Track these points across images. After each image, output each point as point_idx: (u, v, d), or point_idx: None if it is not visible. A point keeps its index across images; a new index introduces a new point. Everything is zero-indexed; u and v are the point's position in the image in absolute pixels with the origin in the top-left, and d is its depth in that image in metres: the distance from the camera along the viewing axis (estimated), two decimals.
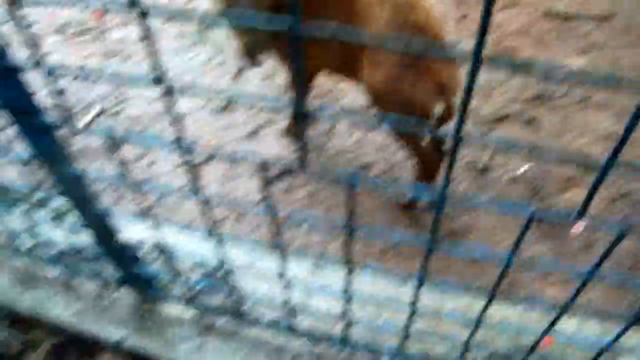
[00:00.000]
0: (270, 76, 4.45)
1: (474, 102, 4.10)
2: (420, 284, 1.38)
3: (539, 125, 3.96)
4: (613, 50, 4.61)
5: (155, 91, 4.36)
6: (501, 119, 4.02)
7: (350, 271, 1.40)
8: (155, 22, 4.98)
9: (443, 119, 2.92)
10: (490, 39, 4.62)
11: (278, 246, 1.46)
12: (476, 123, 3.97)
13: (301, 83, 0.95)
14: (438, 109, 2.76)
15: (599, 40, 4.70)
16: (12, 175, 3.78)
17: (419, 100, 2.75)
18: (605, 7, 5.03)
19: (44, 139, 1.41)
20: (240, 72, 4.48)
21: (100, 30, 4.94)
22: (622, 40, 4.69)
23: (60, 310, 2.19)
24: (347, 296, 1.53)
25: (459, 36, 4.68)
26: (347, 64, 3.07)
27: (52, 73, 1.10)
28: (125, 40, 4.83)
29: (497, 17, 4.88)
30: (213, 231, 1.47)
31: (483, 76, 4.29)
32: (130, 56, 4.67)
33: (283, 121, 4.09)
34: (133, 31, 4.91)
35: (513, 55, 4.48)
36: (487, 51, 4.45)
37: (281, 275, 1.56)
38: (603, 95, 4.15)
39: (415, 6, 2.73)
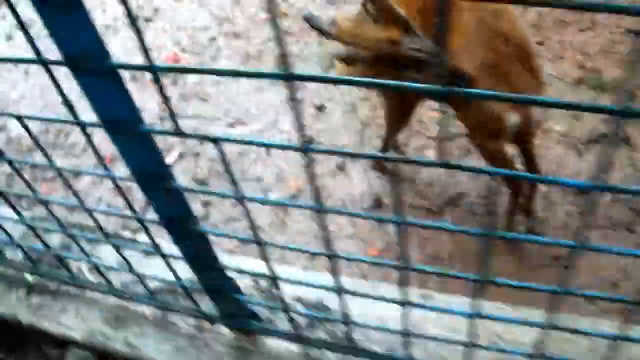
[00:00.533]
0: (353, 108, 4.30)
1: (563, 126, 3.89)
2: (555, 293, 1.19)
3: (635, 144, 3.73)
4: None
5: (236, 131, 4.26)
6: (595, 141, 3.81)
7: (481, 283, 1.22)
8: (230, 64, 4.90)
9: (520, 133, 2.83)
10: (572, 61, 4.41)
11: (398, 267, 1.29)
12: (570, 146, 3.76)
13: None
14: (513, 120, 2.70)
15: None
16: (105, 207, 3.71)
17: (493, 107, 2.68)
18: None
19: (141, 151, 1.28)
20: (322, 107, 4.35)
21: (176, 75, 4.88)
22: None
23: (155, 349, 2.06)
24: (475, 314, 1.35)
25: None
26: None
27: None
28: (202, 82, 4.76)
29: (577, 39, 4.64)
30: (329, 250, 1.30)
31: (570, 99, 4.06)
32: (208, 98, 4.59)
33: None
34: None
35: (598, 77, 4.26)
36: (571, 74, 4.26)
37: (401, 300, 1.39)
38: None
39: (501, 14, 2.65)
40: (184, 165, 4.07)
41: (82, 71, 1.09)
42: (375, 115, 4.14)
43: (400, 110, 3.42)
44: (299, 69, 4.70)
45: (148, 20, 5.67)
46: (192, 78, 4.82)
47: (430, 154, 3.89)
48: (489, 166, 3.04)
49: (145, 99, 4.67)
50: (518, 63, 2.64)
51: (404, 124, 3.55)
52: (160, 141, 3.71)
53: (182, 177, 4.00)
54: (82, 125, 1.20)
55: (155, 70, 0.96)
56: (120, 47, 5.28)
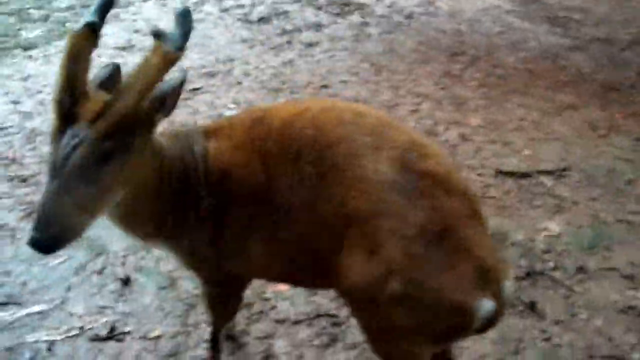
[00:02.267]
0: (171, 282, 3.12)
1: None
2: None
3: (542, 311, 2.98)
4: (585, 204, 3.80)
5: (5, 315, 2.90)
6: None
7: None
8: (10, 218, 3.58)
9: (490, 322, 1.87)
10: None
11: None
12: None
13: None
14: (486, 306, 1.80)
15: (566, 197, 3.86)
16: None
17: (456, 295, 1.79)
18: (556, 161, 4.25)
19: None
20: (128, 279, 3.08)
21: None
22: (590, 193, 3.93)
23: None
24: None
25: None
26: (313, 261, 2.03)
27: None
28: None
29: None
30: None
31: None
32: None
33: (194, 350, 2.75)
34: None
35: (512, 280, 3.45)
36: None
37: None
38: (599, 259, 3.34)
39: (426, 151, 1.96)
40: None
41: None
42: None
43: (222, 287, 2.36)
44: (98, 225, 3.42)
45: None
46: None
47: (280, 345, 2.70)
48: None
49: None
50: (467, 217, 1.87)
51: (233, 308, 2.49)
52: None
53: None
54: None
55: None
56: None
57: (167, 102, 1.82)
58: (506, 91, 5.22)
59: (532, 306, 2.96)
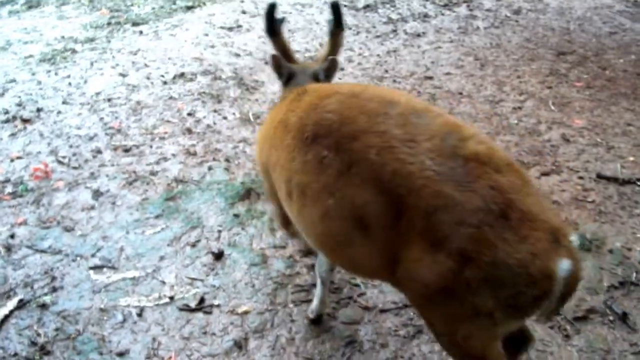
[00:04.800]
0: (263, 260, 3.13)
1: None
2: None
3: (634, 323, 2.80)
4: None
5: (101, 277, 2.97)
6: (583, 317, 2.83)
7: None
8: (112, 185, 3.65)
9: (569, 286, 1.81)
10: None
11: None
12: (553, 326, 2.77)
13: None
14: (565, 265, 1.75)
15: None
16: None
17: (536, 263, 1.73)
18: None
19: None
20: (221, 254, 3.10)
21: (42, 192, 3.61)
22: None
23: None
24: None
25: None
26: (339, 245, 2.07)
27: None
28: (72, 205, 3.52)
29: (542, 183, 3.73)
30: None
31: None
32: (74, 226, 3.32)
33: (281, 329, 2.74)
34: (82, 194, 3.59)
35: (575, 231, 3.27)
36: None
37: None
38: None
39: (463, 134, 1.90)
40: (24, 322, 2.74)
41: None
42: (293, 273, 2.95)
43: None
44: (196, 199, 3.50)
45: (26, 121, 4.52)
46: (59, 198, 3.54)
47: (365, 331, 2.68)
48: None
49: None
50: (522, 187, 1.83)
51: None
52: None
53: (16, 341, 2.65)
54: None
55: None
56: None
57: None
58: (614, 94, 5.02)
59: (623, 317, 2.81)
